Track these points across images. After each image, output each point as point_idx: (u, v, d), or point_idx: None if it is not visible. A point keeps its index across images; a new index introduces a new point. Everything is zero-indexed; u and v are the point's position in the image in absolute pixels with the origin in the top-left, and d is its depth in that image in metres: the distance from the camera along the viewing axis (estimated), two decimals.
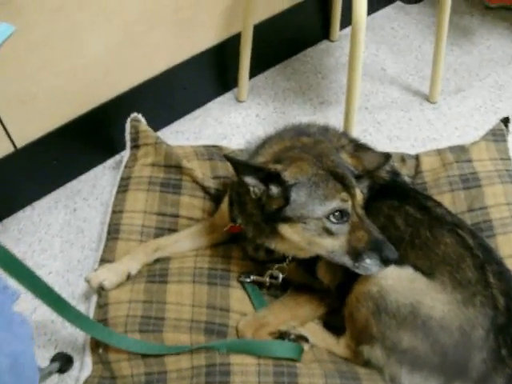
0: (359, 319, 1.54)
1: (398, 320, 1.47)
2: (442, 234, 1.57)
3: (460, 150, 2.06)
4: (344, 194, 1.46)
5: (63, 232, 2.27)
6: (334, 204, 1.45)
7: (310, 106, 2.70)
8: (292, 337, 1.65)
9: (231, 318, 1.70)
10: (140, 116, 2.15)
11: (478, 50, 2.96)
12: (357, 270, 1.48)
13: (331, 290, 1.69)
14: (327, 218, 1.45)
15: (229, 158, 1.48)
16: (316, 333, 1.69)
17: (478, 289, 1.49)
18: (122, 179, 2.04)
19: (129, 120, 2.13)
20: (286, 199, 1.46)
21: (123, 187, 2.01)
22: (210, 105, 2.70)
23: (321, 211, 1.45)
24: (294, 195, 1.46)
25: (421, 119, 2.62)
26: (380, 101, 2.71)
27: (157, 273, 1.79)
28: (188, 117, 2.65)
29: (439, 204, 1.70)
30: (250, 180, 1.47)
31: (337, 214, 1.45)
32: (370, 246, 1.44)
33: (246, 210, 1.59)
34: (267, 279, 1.73)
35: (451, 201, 1.91)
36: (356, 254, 1.45)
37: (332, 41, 3.02)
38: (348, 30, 3.08)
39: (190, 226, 1.90)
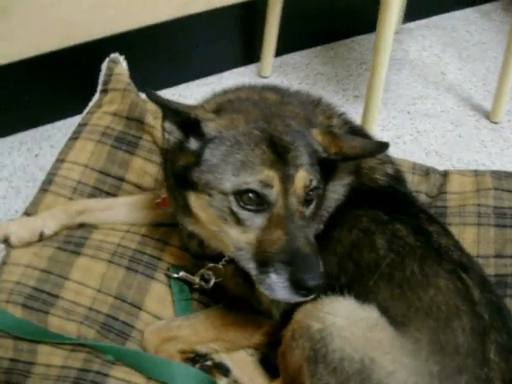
0: (291, 363, 1.09)
1: (337, 378, 1.01)
2: (436, 274, 1.10)
3: (505, 177, 1.55)
4: (270, 173, 1.05)
5: (14, 177, 1.98)
6: (250, 179, 1.04)
7: (342, 97, 2.26)
8: (208, 363, 1.24)
9: (141, 318, 1.31)
10: (121, 58, 1.79)
11: None
12: (260, 287, 1.05)
13: (274, 316, 1.24)
14: (236, 196, 1.06)
15: (151, 94, 1.10)
16: (244, 367, 1.27)
17: (469, 364, 1.00)
18: (79, 125, 1.69)
19: (106, 60, 1.78)
20: (199, 157, 1.09)
21: (75, 134, 1.66)
22: (226, 74, 2.33)
23: (230, 183, 1.06)
24: (207, 153, 1.09)
25: (473, 138, 2.12)
26: (428, 107, 2.23)
27: (73, 240, 1.43)
28: (197, 82, 2.28)
29: (447, 233, 1.21)
30: (168, 125, 1.15)
31: (251, 195, 1.05)
32: (281, 255, 1.01)
33: (166, 170, 1.24)
34: (197, 279, 1.31)
35: (474, 238, 1.42)
36: (263, 263, 1.02)
37: None
38: (412, 24, 2.63)
39: (134, 194, 1.52)
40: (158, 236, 1.44)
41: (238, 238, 1.07)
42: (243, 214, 1.05)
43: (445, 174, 1.60)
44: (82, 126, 1.68)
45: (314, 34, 2.45)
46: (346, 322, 1.03)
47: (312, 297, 1.04)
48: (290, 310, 1.17)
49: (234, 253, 1.09)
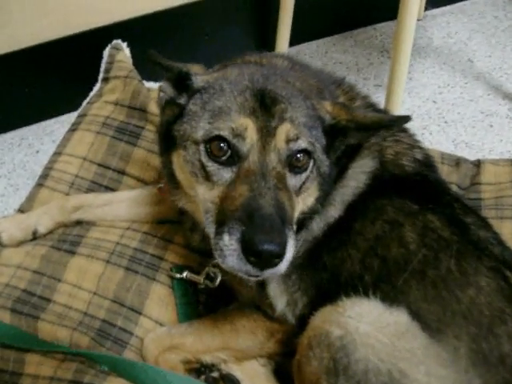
0: (308, 375, 0.95)
1: None
2: (475, 271, 0.95)
3: None
4: (246, 121, 0.92)
5: (14, 174, 1.87)
6: (222, 125, 0.93)
7: (363, 87, 2.11)
8: (214, 375, 1.10)
9: (141, 324, 1.18)
10: (124, 45, 1.67)
11: None
12: (215, 254, 0.89)
13: (289, 321, 1.10)
14: (206, 145, 0.95)
15: (151, 54, 1.02)
16: (256, 379, 1.13)
17: None
18: (78, 116, 1.58)
19: (108, 47, 1.66)
20: (183, 109, 1.01)
21: (74, 126, 1.55)
22: None
23: (203, 131, 0.95)
24: (191, 103, 1.00)
25: (505, 128, 1.96)
26: (455, 96, 2.07)
27: (69, 238, 1.31)
28: None
29: (486, 224, 1.06)
30: (164, 84, 1.08)
31: (222, 145, 0.93)
32: (239, 213, 0.85)
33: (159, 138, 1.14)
34: (202, 279, 1.17)
35: None
36: (221, 223, 0.88)
37: None
38: (436, 11, 2.47)
39: (136, 188, 1.39)
40: (160, 234, 1.31)
41: (205, 197, 0.94)
42: (211, 166, 0.93)
43: (478, 164, 1.44)
44: (81, 116, 1.57)
45: (331, 22, 2.32)
46: (371, 327, 0.89)
47: (267, 273, 0.85)
48: (307, 314, 1.04)
49: (204, 215, 0.95)
